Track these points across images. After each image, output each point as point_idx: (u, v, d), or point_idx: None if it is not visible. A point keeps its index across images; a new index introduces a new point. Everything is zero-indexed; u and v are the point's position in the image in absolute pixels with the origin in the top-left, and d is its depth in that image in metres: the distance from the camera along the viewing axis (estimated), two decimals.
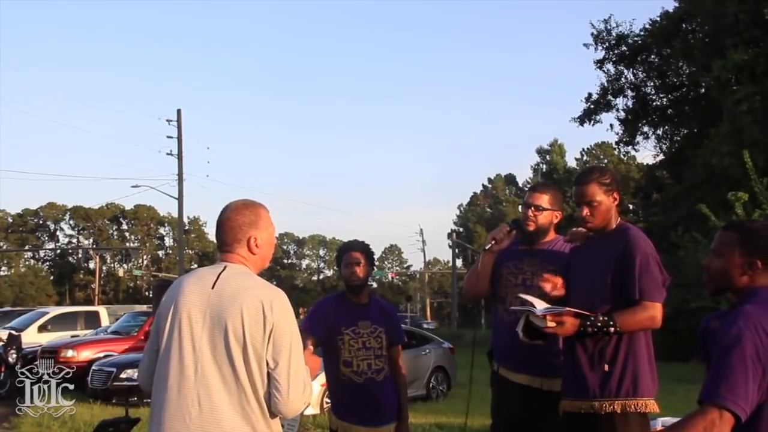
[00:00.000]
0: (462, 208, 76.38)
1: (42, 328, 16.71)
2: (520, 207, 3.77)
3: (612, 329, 3.01)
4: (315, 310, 4.03)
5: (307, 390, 2.39)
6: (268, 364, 2.32)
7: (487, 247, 3.69)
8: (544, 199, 3.66)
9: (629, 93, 31.68)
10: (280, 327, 2.33)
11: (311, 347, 2.73)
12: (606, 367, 3.08)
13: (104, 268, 73.56)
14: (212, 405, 2.30)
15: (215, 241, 2.60)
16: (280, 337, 2.33)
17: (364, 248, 4.01)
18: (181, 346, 2.36)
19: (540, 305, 3.11)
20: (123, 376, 11.21)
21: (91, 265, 71.29)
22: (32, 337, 15.62)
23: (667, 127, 31.99)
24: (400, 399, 4.02)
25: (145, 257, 78.92)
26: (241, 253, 2.49)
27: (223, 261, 2.50)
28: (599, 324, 3.01)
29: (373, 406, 3.87)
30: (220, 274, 2.43)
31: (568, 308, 3.06)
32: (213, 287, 2.40)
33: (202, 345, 2.34)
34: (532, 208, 3.64)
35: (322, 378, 4.35)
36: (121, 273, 68.33)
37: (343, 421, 3.91)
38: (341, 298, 4.05)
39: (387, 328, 3.98)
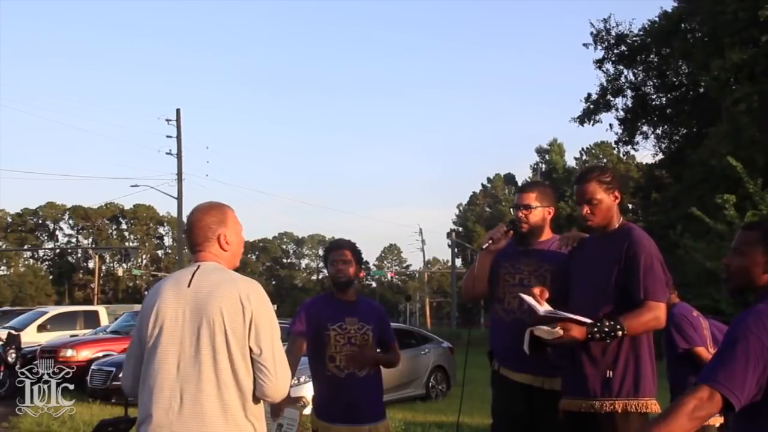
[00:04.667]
0: (461, 208, 76.30)
1: (41, 328, 16.70)
2: (511, 210, 3.79)
3: (620, 333, 2.99)
4: (302, 310, 4.01)
5: (290, 374, 2.50)
6: (252, 351, 2.39)
7: (484, 247, 3.70)
8: (531, 197, 3.68)
9: (628, 93, 31.67)
10: (259, 315, 2.42)
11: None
12: (609, 373, 3.06)
13: (103, 267, 73.50)
14: (194, 400, 2.36)
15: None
16: (261, 324, 2.41)
17: (351, 246, 4.03)
18: (163, 346, 2.42)
19: (542, 306, 3.10)
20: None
21: (91, 264, 71.30)
22: (31, 337, 15.62)
23: (666, 126, 31.96)
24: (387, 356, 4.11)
25: (144, 257, 78.85)
26: (213, 251, 2.57)
27: (196, 261, 2.58)
28: (606, 329, 2.98)
29: (354, 404, 3.86)
30: (194, 272, 2.50)
31: (569, 315, 3.03)
32: (189, 285, 2.47)
33: (184, 342, 2.41)
34: (522, 208, 3.66)
35: None
36: (120, 272, 68.27)
37: (322, 421, 3.92)
38: (328, 297, 4.06)
39: (375, 326, 3.98)
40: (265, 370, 2.38)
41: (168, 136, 33.47)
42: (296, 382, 7.42)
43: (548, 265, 3.59)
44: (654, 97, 32.21)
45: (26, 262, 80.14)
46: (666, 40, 28.80)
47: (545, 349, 3.17)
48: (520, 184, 69.40)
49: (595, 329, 2.99)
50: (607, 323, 2.99)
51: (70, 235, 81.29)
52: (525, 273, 3.64)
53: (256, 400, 2.43)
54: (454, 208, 78.08)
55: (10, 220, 77.91)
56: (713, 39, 25.27)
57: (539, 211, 3.67)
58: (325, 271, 4.30)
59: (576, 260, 3.37)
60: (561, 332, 2.99)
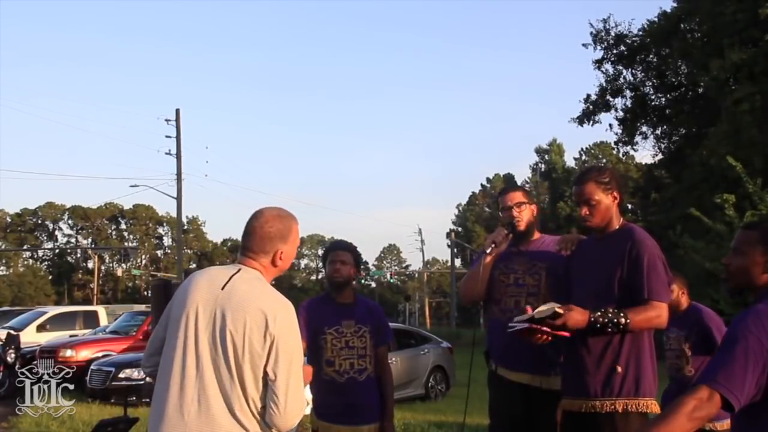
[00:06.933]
0: (461, 208, 76.34)
1: (41, 328, 16.71)
2: (500, 213, 3.80)
3: (623, 320, 2.98)
4: (299, 312, 3.99)
5: (304, 405, 2.41)
6: (267, 375, 2.33)
7: (488, 251, 3.70)
8: (519, 196, 3.75)
9: (628, 93, 31.69)
10: (281, 340, 2.34)
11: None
12: (619, 369, 3.04)
13: (103, 267, 73.51)
14: (209, 405, 2.32)
15: (240, 242, 2.58)
16: (281, 350, 2.33)
17: (350, 248, 4.02)
18: (185, 344, 2.38)
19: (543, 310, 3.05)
20: (122, 375, 11.20)
21: (90, 264, 71.29)
22: (31, 337, 15.64)
23: (665, 126, 31.96)
24: (385, 398, 3.98)
25: (143, 257, 78.86)
26: (263, 262, 2.49)
27: (240, 263, 2.50)
28: (610, 314, 2.98)
29: (354, 405, 3.85)
30: (232, 275, 2.44)
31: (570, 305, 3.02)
32: (223, 288, 2.41)
33: (204, 345, 2.36)
34: (515, 207, 3.69)
35: None
36: (119, 272, 68.25)
37: (322, 421, 3.90)
38: (325, 299, 4.04)
39: (372, 327, 3.95)
40: (276, 399, 2.31)
41: (167, 136, 33.55)
42: None
43: (542, 263, 3.61)
44: (653, 97, 32.21)
45: (26, 262, 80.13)
46: (665, 40, 28.82)
47: (542, 344, 3.12)
48: (519, 184, 69.53)
49: (599, 314, 2.98)
50: (611, 310, 2.99)
51: (70, 235, 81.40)
52: (519, 272, 3.66)
53: (266, 423, 2.36)
54: (453, 209, 78.20)
55: (9, 220, 77.91)
56: (712, 39, 25.27)
57: (528, 208, 3.74)
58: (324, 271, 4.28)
59: (576, 261, 3.37)
60: (559, 307, 2.95)
